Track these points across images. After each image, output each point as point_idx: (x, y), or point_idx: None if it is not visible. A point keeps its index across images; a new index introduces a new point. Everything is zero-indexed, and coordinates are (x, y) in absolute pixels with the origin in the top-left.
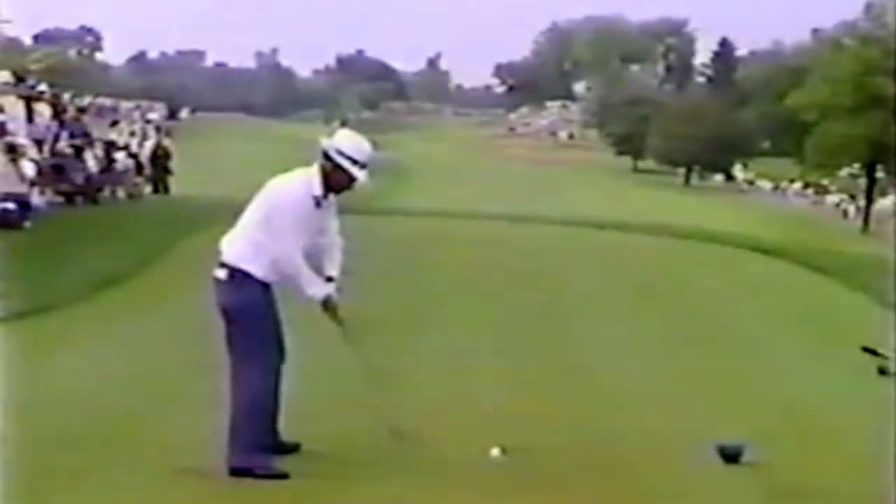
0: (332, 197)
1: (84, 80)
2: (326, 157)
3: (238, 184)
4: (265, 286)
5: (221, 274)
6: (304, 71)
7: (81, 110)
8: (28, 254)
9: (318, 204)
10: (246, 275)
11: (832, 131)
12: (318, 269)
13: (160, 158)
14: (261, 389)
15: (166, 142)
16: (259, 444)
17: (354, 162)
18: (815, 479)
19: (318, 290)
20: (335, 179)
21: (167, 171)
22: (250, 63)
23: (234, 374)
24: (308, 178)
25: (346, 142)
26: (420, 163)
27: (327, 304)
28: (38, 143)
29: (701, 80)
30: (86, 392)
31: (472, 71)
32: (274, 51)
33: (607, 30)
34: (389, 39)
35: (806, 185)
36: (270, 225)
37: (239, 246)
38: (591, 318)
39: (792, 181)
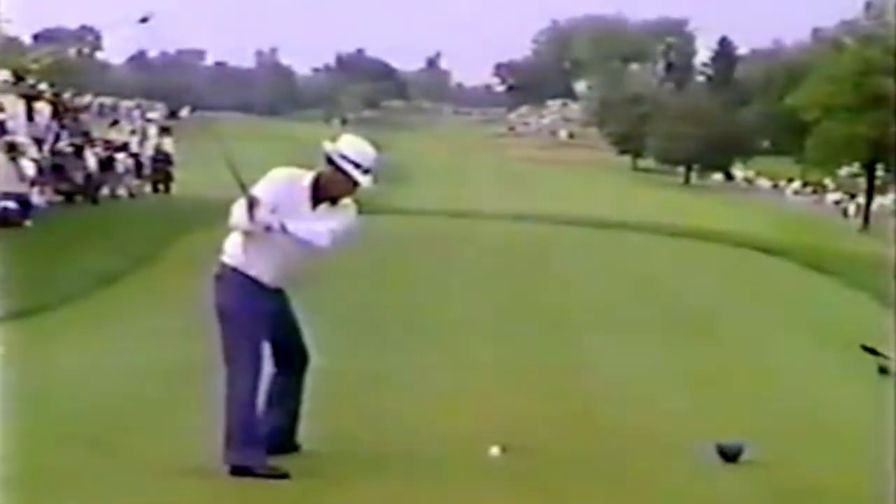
0: (344, 204)
1: (84, 79)
2: (330, 161)
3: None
4: (261, 286)
5: (216, 271)
6: (304, 70)
7: (81, 109)
8: (28, 253)
9: (314, 205)
10: (237, 272)
11: (832, 130)
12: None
13: (160, 159)
14: (248, 388)
15: (167, 142)
16: (255, 442)
17: (357, 166)
18: (815, 479)
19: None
20: (338, 183)
21: (168, 172)
22: (250, 62)
23: (226, 372)
24: (301, 172)
25: (350, 146)
26: (420, 162)
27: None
28: (38, 142)
29: (701, 79)
30: (86, 391)
31: (472, 70)
32: (274, 50)
33: (607, 29)
34: (389, 39)
35: (805, 184)
36: None
37: (234, 244)
38: (592, 317)
39: (791, 180)
